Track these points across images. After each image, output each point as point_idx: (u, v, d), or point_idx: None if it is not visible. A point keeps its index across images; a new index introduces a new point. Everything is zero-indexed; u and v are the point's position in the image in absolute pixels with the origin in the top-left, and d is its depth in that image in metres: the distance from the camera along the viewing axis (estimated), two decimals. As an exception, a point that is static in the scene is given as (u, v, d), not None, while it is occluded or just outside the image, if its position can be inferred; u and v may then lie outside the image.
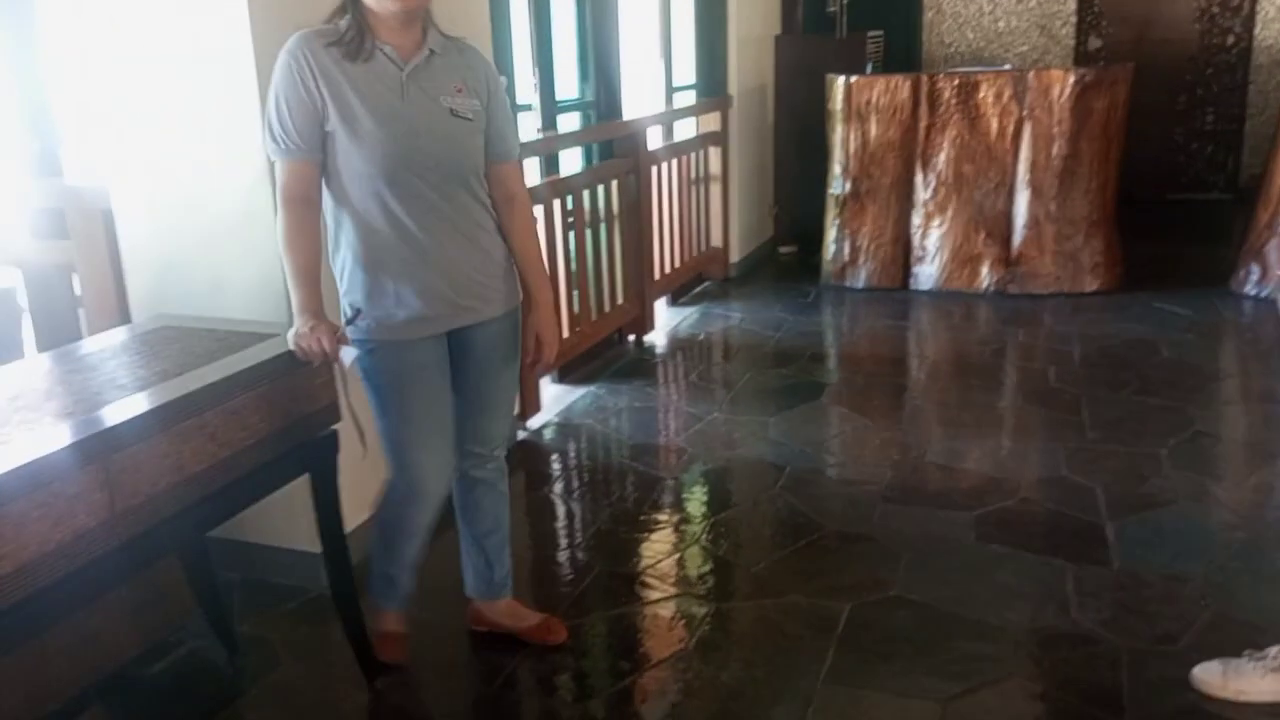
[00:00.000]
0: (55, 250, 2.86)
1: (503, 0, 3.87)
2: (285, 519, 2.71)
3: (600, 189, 4.73)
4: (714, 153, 6.10)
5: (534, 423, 4.05)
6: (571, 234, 4.46)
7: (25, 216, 2.92)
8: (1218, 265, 5.74)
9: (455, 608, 2.65)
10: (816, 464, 3.63)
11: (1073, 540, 2.99)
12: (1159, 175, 8.04)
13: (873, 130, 5.74)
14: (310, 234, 2.10)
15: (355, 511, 2.63)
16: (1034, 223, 5.59)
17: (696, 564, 3.00)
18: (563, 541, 3.22)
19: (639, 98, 5.47)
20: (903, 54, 7.90)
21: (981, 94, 5.55)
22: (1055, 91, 5.42)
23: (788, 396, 4.29)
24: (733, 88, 6.21)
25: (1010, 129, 5.54)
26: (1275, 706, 2.22)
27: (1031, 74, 5.48)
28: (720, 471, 3.62)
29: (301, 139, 2.06)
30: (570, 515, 3.39)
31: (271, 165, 2.17)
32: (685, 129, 5.99)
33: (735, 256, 6.40)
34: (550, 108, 4.43)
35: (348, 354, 2.04)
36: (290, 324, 2.06)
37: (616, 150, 4.95)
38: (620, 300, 4.93)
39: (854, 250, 5.94)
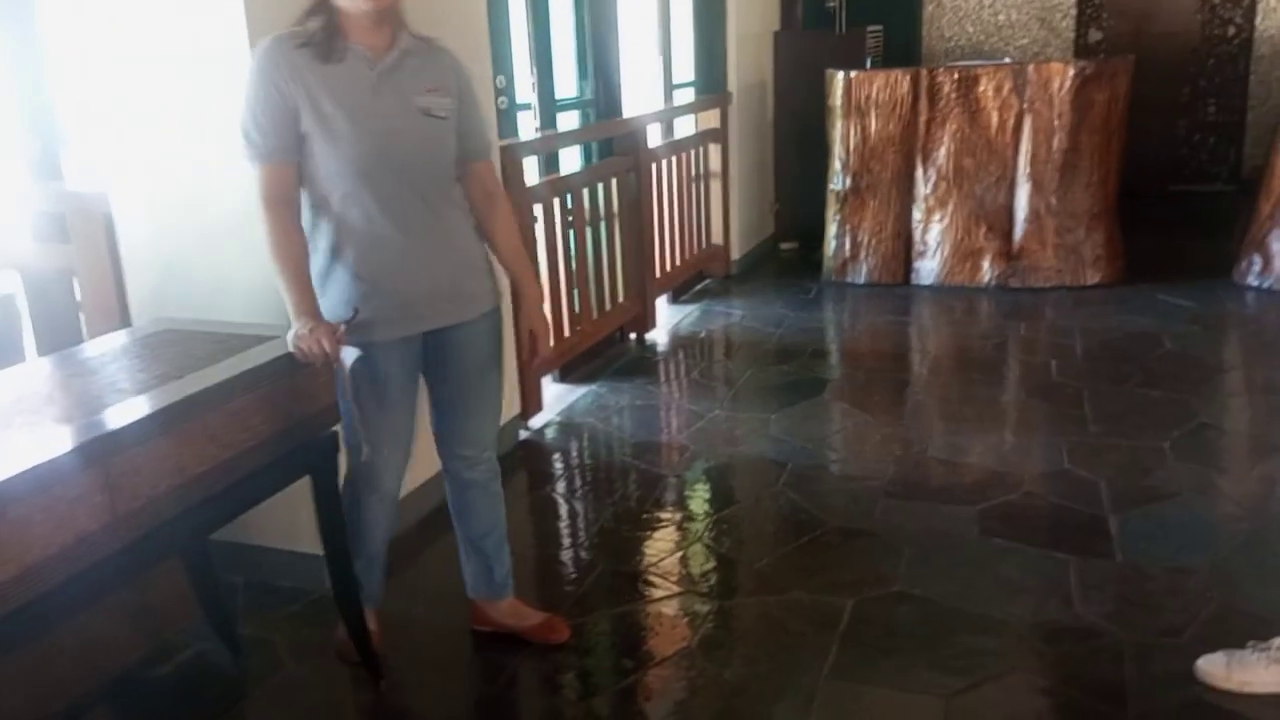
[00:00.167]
0: (55, 254, 2.86)
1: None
2: (287, 521, 2.71)
3: (600, 187, 4.73)
4: (714, 150, 6.09)
5: (536, 422, 4.05)
6: (572, 233, 4.46)
7: (26, 220, 2.92)
8: (1220, 257, 5.73)
9: (457, 608, 2.65)
10: (818, 460, 3.63)
11: (1076, 534, 2.99)
12: (1161, 167, 8.02)
13: (873, 125, 5.73)
14: (296, 236, 2.10)
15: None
16: (1035, 216, 5.58)
17: (699, 561, 3.00)
18: (565, 540, 3.23)
19: (638, 95, 5.46)
20: (902, 48, 7.89)
21: (981, 88, 5.55)
22: (1055, 84, 5.41)
23: (789, 393, 4.29)
24: (732, 84, 6.21)
25: (1011, 122, 5.53)
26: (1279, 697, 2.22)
27: (1032, 67, 5.48)
28: (722, 469, 3.62)
29: (279, 141, 2.06)
30: (573, 514, 3.40)
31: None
32: (685, 126, 5.99)
33: (736, 253, 6.40)
34: (549, 106, 4.42)
35: (349, 354, 2.05)
36: (288, 326, 2.07)
37: (616, 148, 4.95)
38: (621, 298, 4.92)
39: (855, 246, 5.93)
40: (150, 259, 2.76)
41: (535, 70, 4.30)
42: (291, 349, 2.02)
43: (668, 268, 5.49)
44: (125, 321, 2.74)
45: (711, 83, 6.16)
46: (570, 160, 4.82)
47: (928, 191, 5.75)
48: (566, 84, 4.77)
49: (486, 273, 2.34)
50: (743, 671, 2.44)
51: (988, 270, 5.71)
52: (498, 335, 2.39)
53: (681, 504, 3.40)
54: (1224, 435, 3.74)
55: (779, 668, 2.44)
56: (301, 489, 2.25)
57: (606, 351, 4.90)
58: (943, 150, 5.66)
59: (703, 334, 5.28)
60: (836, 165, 5.90)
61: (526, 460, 3.76)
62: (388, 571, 2.56)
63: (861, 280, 5.95)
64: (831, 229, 6.00)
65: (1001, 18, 8.21)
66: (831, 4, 7.05)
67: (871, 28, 6.92)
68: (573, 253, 4.47)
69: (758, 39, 6.63)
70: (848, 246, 5.95)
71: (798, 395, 4.25)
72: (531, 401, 4.01)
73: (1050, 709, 2.28)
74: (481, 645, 2.60)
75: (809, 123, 6.34)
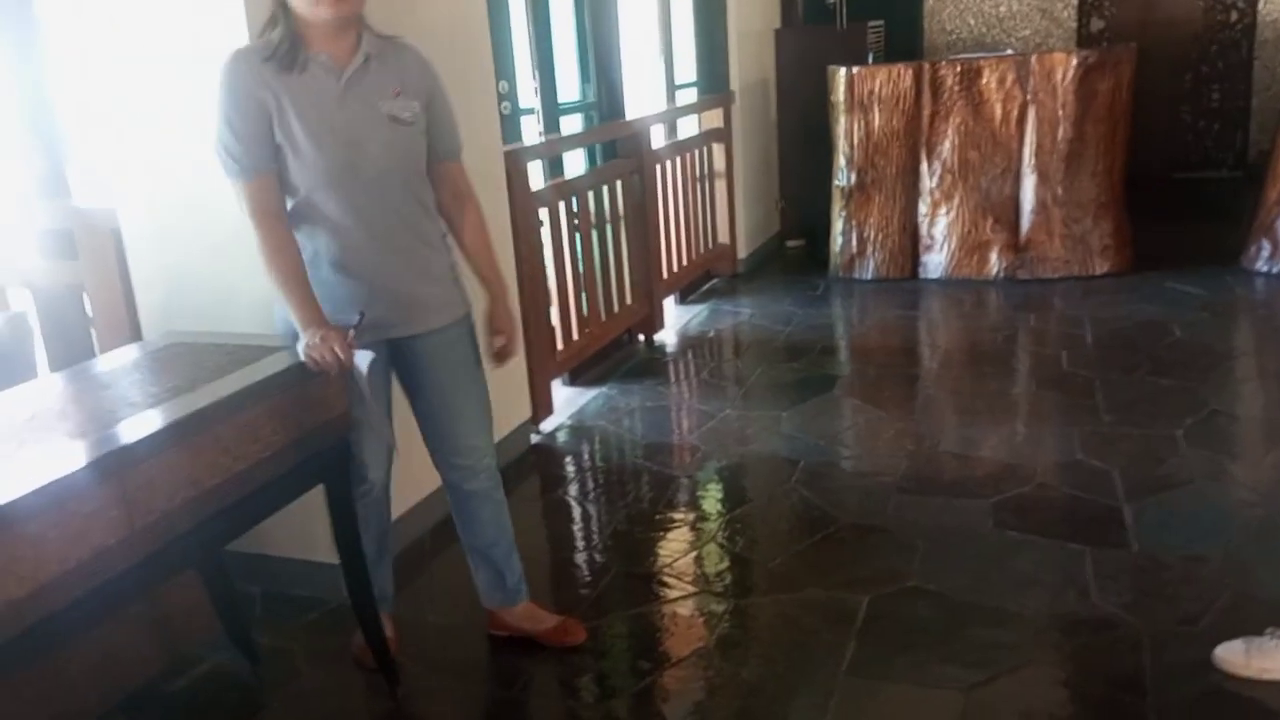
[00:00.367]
0: (65, 271, 2.88)
1: (502, 4, 3.88)
2: (302, 530, 2.72)
3: (605, 190, 4.73)
4: (718, 149, 6.10)
5: (547, 426, 4.05)
6: (578, 236, 4.46)
7: (34, 238, 2.94)
8: (1228, 243, 5.71)
9: (472, 613, 2.65)
10: (831, 457, 3.62)
11: (1090, 524, 2.98)
12: (1166, 155, 8.00)
13: (876, 120, 5.73)
14: (291, 247, 2.11)
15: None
16: (1041, 207, 5.57)
17: (713, 561, 3.00)
18: (579, 543, 3.23)
19: (641, 97, 5.47)
20: (904, 43, 7.88)
21: (984, 80, 5.54)
22: (1059, 75, 5.39)
23: (800, 390, 4.29)
24: (734, 83, 6.21)
25: (1014, 114, 5.52)
26: (1299, 684, 2.21)
27: (1034, 58, 5.46)
28: (734, 468, 3.62)
29: (261, 152, 2.07)
30: (586, 517, 3.40)
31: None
32: (688, 126, 5.99)
33: (743, 252, 6.40)
34: (552, 110, 4.43)
35: (362, 358, 2.05)
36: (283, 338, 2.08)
37: (620, 150, 4.96)
38: (629, 300, 4.93)
39: (861, 241, 5.93)
40: (159, 273, 2.77)
41: (537, 74, 4.30)
42: (304, 359, 2.03)
43: (674, 268, 5.49)
44: (136, 336, 2.75)
45: (714, 82, 6.16)
46: (574, 164, 4.83)
47: (933, 185, 5.74)
48: (569, 87, 4.77)
49: (453, 282, 2.34)
50: (760, 670, 2.44)
51: (995, 263, 5.69)
52: (470, 342, 2.39)
53: (694, 504, 3.40)
54: (1236, 422, 3.73)
55: (796, 666, 2.44)
56: (315, 498, 2.26)
57: (615, 353, 4.90)
58: (947, 144, 5.65)
59: (711, 333, 5.28)
60: (841, 161, 5.89)
61: (538, 464, 3.77)
62: (396, 573, 2.56)
63: (869, 276, 5.94)
64: (838, 225, 6.00)
65: (1003, 9, 8.19)
66: (832, 0, 7.04)
67: (872, 23, 6.91)
68: (579, 256, 4.48)
69: (759, 37, 6.62)
70: (854, 242, 5.95)
71: (808, 392, 4.25)
72: (542, 405, 4.02)
73: (1069, 700, 2.27)
74: (497, 650, 2.61)
75: (812, 119, 6.34)
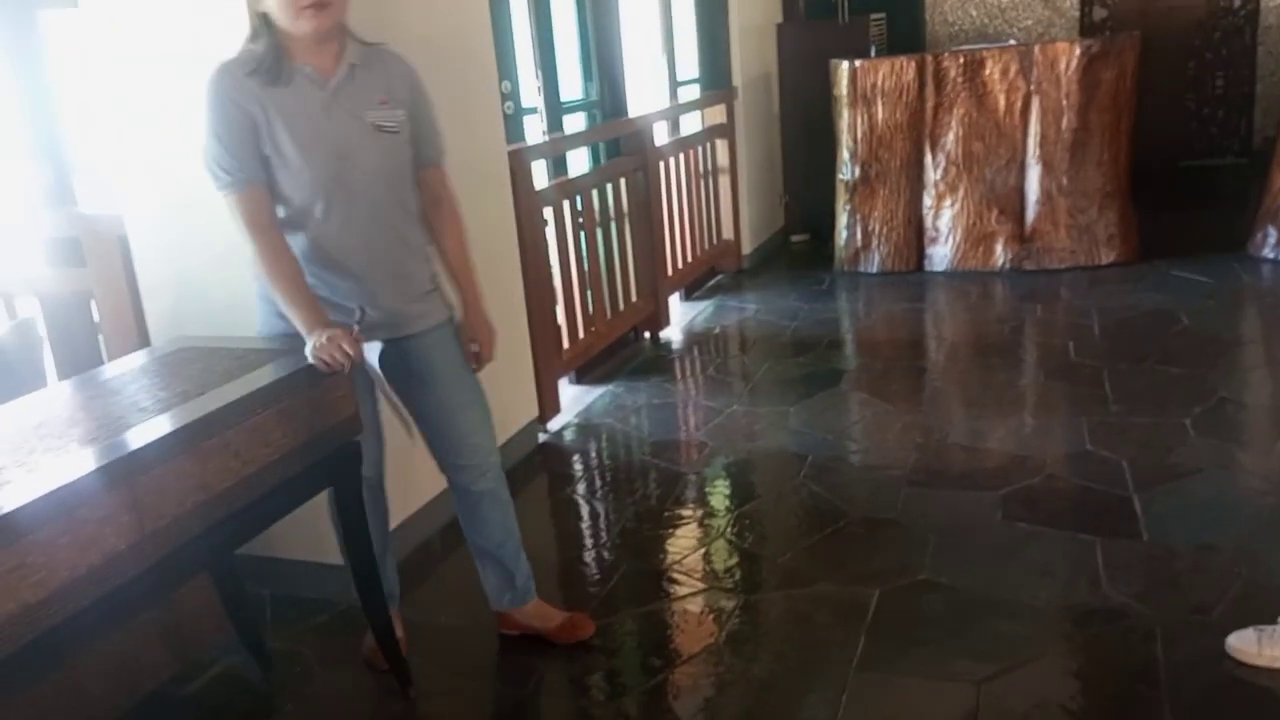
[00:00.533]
0: (72, 278, 2.89)
1: (503, 4, 3.88)
2: (312, 533, 2.72)
3: (609, 188, 4.73)
4: (721, 145, 6.09)
5: (554, 424, 4.05)
6: (582, 234, 4.46)
7: (41, 246, 2.95)
8: (1234, 231, 5.69)
9: (482, 613, 2.65)
10: (839, 451, 3.62)
11: (1101, 515, 2.97)
12: (1171, 143, 7.97)
13: (880, 113, 5.72)
14: (287, 254, 2.12)
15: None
16: (1046, 198, 5.56)
17: (723, 557, 3.00)
18: (588, 541, 3.23)
19: (643, 94, 5.46)
20: (906, 35, 7.86)
21: (988, 71, 5.52)
22: (1062, 64, 5.38)
23: (807, 385, 4.28)
24: (737, 79, 6.20)
25: (1018, 104, 5.50)
26: (1313, 672, 2.21)
27: (1038, 48, 5.45)
28: (742, 464, 3.62)
29: (251, 162, 2.08)
30: (594, 515, 3.40)
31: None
32: (691, 123, 5.99)
33: (747, 248, 6.39)
34: (555, 109, 4.43)
35: (372, 350, 2.06)
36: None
37: (623, 148, 4.95)
38: (634, 298, 4.93)
39: (866, 235, 5.92)
40: (166, 278, 2.77)
41: (540, 74, 4.30)
42: (313, 362, 2.03)
43: (679, 265, 5.49)
44: (144, 341, 2.76)
45: (716, 78, 6.15)
46: (578, 162, 4.83)
47: (938, 177, 5.72)
48: (571, 86, 4.77)
49: (436, 290, 2.35)
50: (771, 666, 2.44)
51: (1001, 254, 5.68)
52: (455, 345, 2.39)
53: (703, 501, 3.40)
54: (1245, 410, 3.72)
55: (808, 661, 2.44)
56: (325, 501, 2.27)
57: (621, 351, 4.90)
58: (951, 135, 5.64)
59: (717, 330, 5.28)
60: (845, 155, 5.88)
61: (546, 463, 3.77)
62: (406, 574, 2.57)
63: (874, 269, 5.93)
64: (842, 219, 5.99)
65: (1005, -1, 8.17)
66: (833, -6, 7.04)
67: (874, 15, 6.90)
68: (584, 254, 4.48)
69: (760, 32, 6.61)
70: (859, 236, 5.94)
71: (815, 387, 4.24)
72: (549, 404, 4.02)
73: (1083, 692, 2.27)
74: (509, 649, 2.61)
75: (815, 114, 6.33)
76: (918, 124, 5.69)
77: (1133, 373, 4.05)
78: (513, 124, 3.90)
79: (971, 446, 3.54)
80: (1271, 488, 3.05)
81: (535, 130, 4.28)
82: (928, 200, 5.79)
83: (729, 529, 3.15)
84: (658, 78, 5.71)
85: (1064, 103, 5.41)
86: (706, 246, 5.90)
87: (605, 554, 3.10)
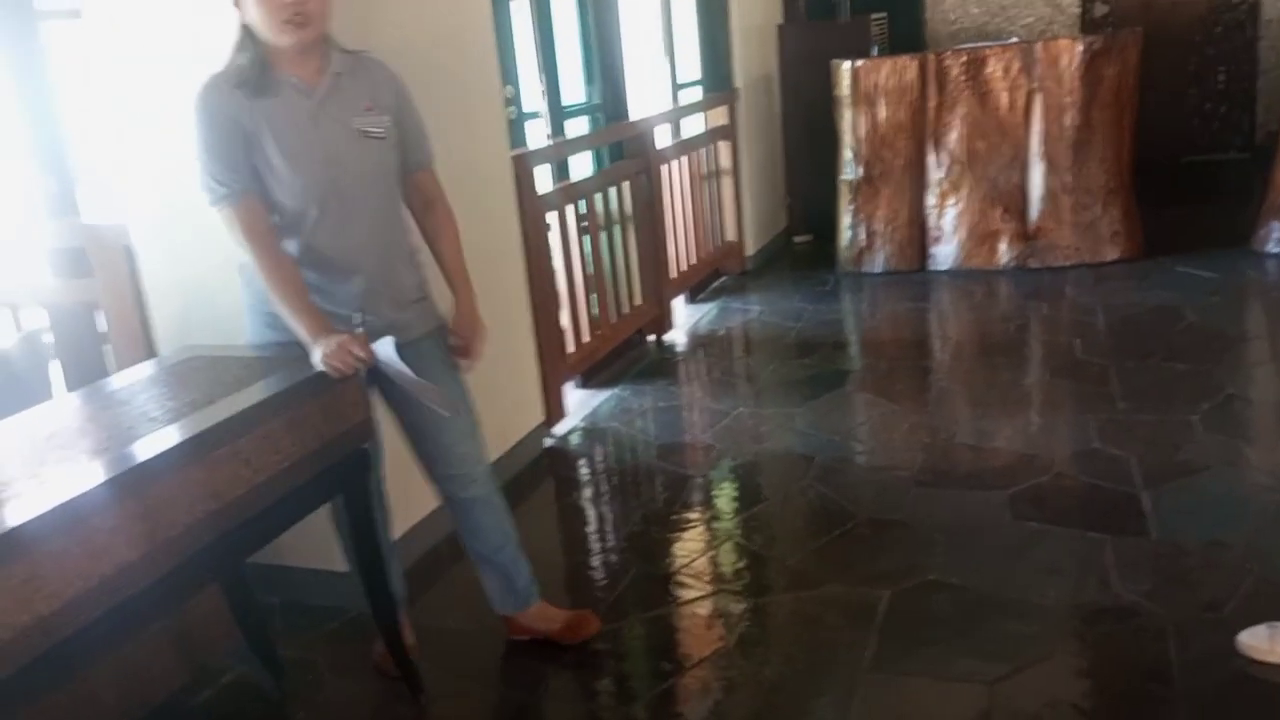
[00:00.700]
0: (78, 289, 2.90)
1: (505, 9, 3.88)
2: (322, 540, 2.72)
3: (612, 191, 4.74)
4: (723, 147, 6.09)
5: (560, 429, 4.05)
6: (586, 238, 4.47)
7: (46, 257, 2.95)
8: (1238, 226, 5.68)
9: (493, 617, 2.65)
10: (846, 452, 3.62)
11: (1109, 513, 2.97)
12: (1174, 138, 7.96)
13: (882, 113, 5.72)
14: (287, 262, 2.13)
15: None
16: (1050, 195, 5.55)
17: (731, 560, 3.00)
18: (595, 546, 3.23)
19: (645, 98, 5.47)
20: (908, 34, 7.86)
21: (990, 69, 5.52)
22: (1064, 61, 5.38)
23: (812, 386, 4.28)
24: (738, 80, 6.20)
25: (1021, 102, 5.50)
26: (1325, 669, 2.20)
27: (1040, 45, 5.45)
28: (749, 466, 3.62)
29: (244, 172, 2.08)
30: (601, 519, 3.40)
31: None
32: (694, 125, 5.99)
33: (751, 249, 6.39)
34: (557, 113, 4.44)
35: (383, 347, 2.06)
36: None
37: (626, 151, 4.96)
38: (638, 301, 4.93)
39: (870, 235, 5.92)
40: (172, 287, 2.78)
41: (544, 78, 4.31)
42: (324, 368, 2.04)
43: (683, 267, 5.49)
44: (151, 351, 2.76)
45: (717, 80, 6.15)
46: (581, 166, 4.83)
47: (941, 176, 5.72)
48: (574, 90, 4.77)
49: (425, 299, 2.36)
50: (782, 669, 2.44)
51: (1005, 252, 5.68)
52: (444, 353, 2.40)
53: (710, 503, 3.40)
54: (1252, 406, 3.71)
55: (818, 663, 2.44)
56: (329, 507, 2.27)
57: (627, 355, 4.90)
58: (954, 134, 5.63)
59: (722, 332, 5.28)
60: (847, 155, 5.88)
61: (552, 467, 3.77)
62: (415, 580, 2.57)
63: (878, 269, 5.93)
64: (845, 219, 5.98)
65: (1006, -3, 8.17)
66: (834, -6, 7.04)
67: (875, 15, 6.90)
68: (588, 258, 4.48)
69: (761, 33, 6.61)
70: (863, 236, 5.93)
71: (821, 388, 4.24)
72: (555, 408, 4.02)
73: (1094, 691, 2.26)
74: (518, 653, 2.61)
75: (817, 114, 6.32)
76: (920, 123, 5.69)
77: (1139, 370, 4.05)
78: (515, 129, 3.90)
79: (978, 446, 3.54)
80: (1279, 484, 3.05)
81: (538, 135, 4.29)
82: (931, 199, 5.79)
83: (737, 531, 3.15)
84: (659, 80, 5.71)
85: (1066, 100, 5.41)
86: (710, 249, 5.90)
87: (613, 558, 3.10)
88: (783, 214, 6.99)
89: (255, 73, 2.09)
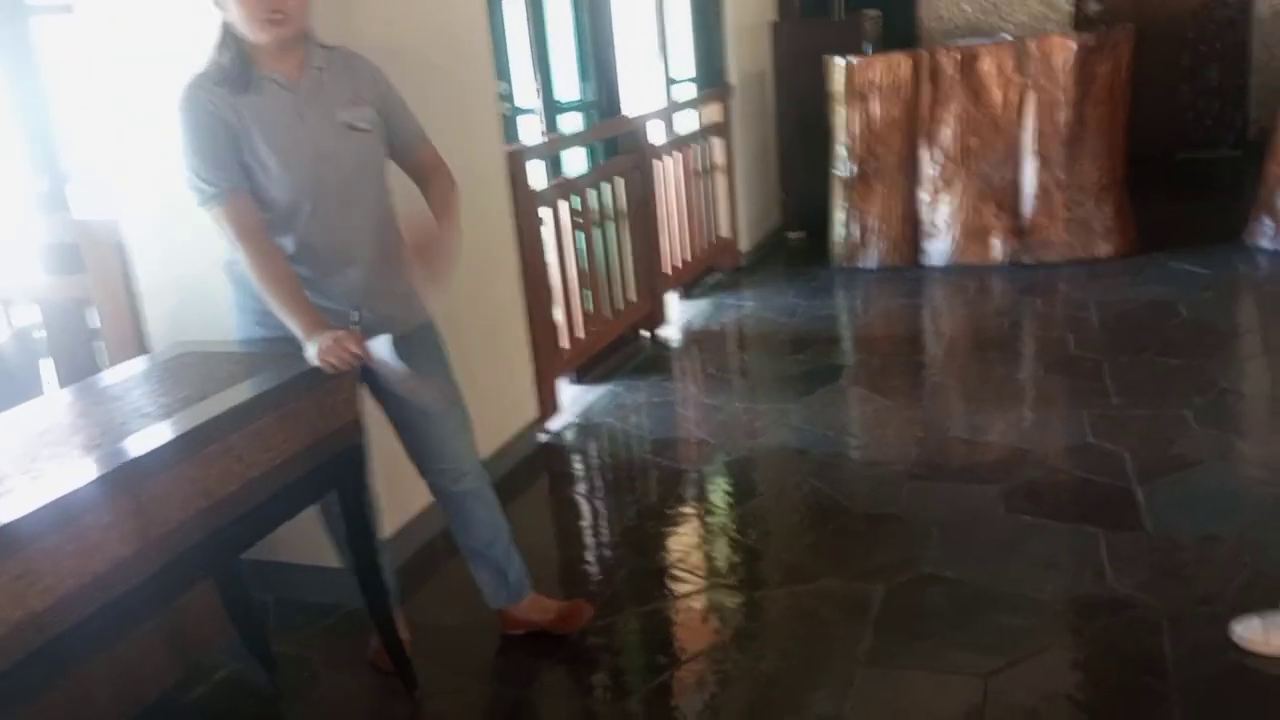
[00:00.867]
0: (69, 285, 2.88)
1: (499, 5, 3.87)
2: (316, 536, 2.71)
3: (606, 187, 4.72)
4: (717, 143, 6.09)
5: (554, 424, 4.05)
6: (580, 234, 4.46)
7: (38, 253, 2.94)
8: (1230, 222, 5.69)
9: (488, 612, 2.65)
10: (840, 447, 3.62)
11: (1104, 506, 2.97)
12: (1167, 135, 7.96)
13: (875, 110, 5.72)
14: (279, 258, 2.12)
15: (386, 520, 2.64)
16: (1043, 192, 5.56)
17: (726, 555, 3.00)
18: (590, 541, 3.23)
19: (639, 94, 5.46)
20: (901, 31, 7.86)
21: (983, 66, 5.52)
22: (1057, 58, 5.38)
23: (806, 381, 4.28)
24: (732, 77, 6.20)
25: (1014, 99, 5.50)
26: (1319, 661, 2.21)
27: (1033, 42, 5.45)
28: (743, 461, 3.62)
29: (233, 170, 2.07)
30: (596, 514, 3.40)
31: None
32: (688, 121, 5.98)
33: (744, 245, 6.39)
34: (551, 110, 4.43)
35: (379, 345, 2.05)
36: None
37: (620, 148, 4.95)
38: (632, 297, 4.92)
39: (863, 231, 5.92)
40: (165, 283, 2.77)
41: (539, 75, 4.30)
42: (319, 364, 2.03)
43: (677, 264, 5.49)
44: (144, 347, 2.75)
45: (711, 76, 6.15)
46: (575, 162, 4.82)
47: (934, 173, 5.72)
48: (568, 86, 4.77)
49: (412, 293, 2.33)
50: (776, 662, 2.44)
51: (998, 248, 5.68)
52: (435, 348, 2.40)
53: (704, 498, 3.40)
54: (1245, 400, 3.72)
55: (813, 657, 2.44)
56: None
57: (621, 350, 4.89)
58: (947, 131, 5.64)
59: (716, 327, 5.27)
60: (841, 151, 5.88)
61: (547, 463, 3.76)
62: (409, 576, 2.56)
63: (872, 265, 5.93)
64: (839, 215, 5.98)
65: (998, -6, 8.18)
66: (827, -9, 7.04)
67: (869, 12, 6.90)
68: (582, 254, 4.47)
69: (755, 30, 6.61)
70: (856, 232, 5.94)
71: (815, 383, 4.24)
72: (549, 404, 4.01)
73: (1090, 683, 2.27)
74: (513, 648, 2.61)
75: (811, 111, 6.32)
76: (913, 120, 5.69)
77: (1132, 365, 4.05)
78: (508, 124, 3.90)
79: (972, 440, 3.54)
80: (1273, 477, 3.06)
81: (532, 131, 4.28)
82: (924, 196, 5.79)
83: (732, 526, 3.15)
84: (653, 77, 5.70)
85: (1060, 97, 5.41)
86: (704, 245, 5.89)
87: (608, 553, 3.10)
88: (776, 210, 6.99)
89: (237, 70, 2.08)
